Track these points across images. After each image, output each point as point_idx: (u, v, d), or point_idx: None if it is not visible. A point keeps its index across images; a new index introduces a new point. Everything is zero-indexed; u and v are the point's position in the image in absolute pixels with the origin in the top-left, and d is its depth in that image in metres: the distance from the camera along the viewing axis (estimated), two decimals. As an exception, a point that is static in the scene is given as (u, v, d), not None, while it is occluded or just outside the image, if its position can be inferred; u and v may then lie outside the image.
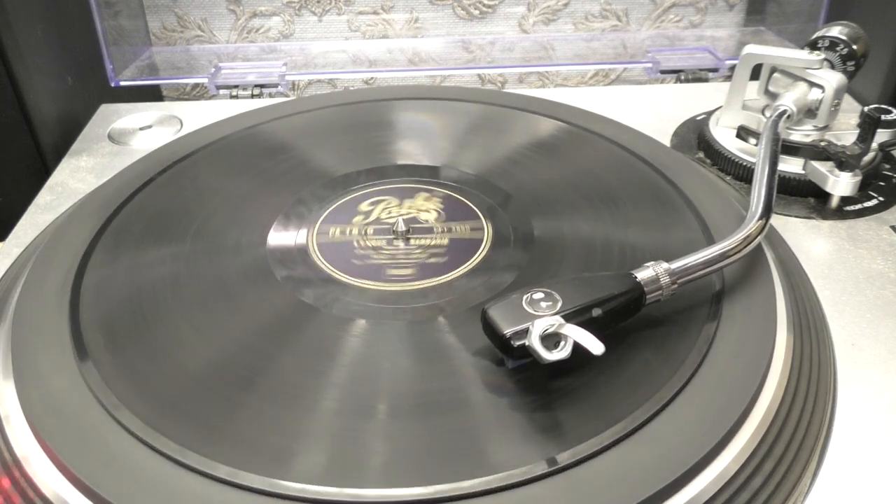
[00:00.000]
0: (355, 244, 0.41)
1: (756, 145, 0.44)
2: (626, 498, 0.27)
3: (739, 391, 0.31)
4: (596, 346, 0.29)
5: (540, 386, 0.31)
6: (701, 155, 0.53)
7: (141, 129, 0.59)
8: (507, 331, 0.30)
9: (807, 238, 0.45)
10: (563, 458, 0.28)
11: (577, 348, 0.29)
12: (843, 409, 0.34)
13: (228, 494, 0.27)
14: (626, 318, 0.33)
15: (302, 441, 0.29)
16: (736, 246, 0.35)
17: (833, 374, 0.35)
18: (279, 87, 0.67)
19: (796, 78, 0.49)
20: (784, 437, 0.31)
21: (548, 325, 0.29)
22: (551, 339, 0.30)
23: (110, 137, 0.58)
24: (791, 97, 0.48)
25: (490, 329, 0.31)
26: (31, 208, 0.49)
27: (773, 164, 0.42)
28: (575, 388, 0.31)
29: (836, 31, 0.49)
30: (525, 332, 0.30)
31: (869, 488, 0.31)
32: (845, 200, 0.47)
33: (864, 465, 0.31)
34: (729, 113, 0.53)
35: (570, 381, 0.31)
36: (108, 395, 0.31)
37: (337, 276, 0.38)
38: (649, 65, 0.70)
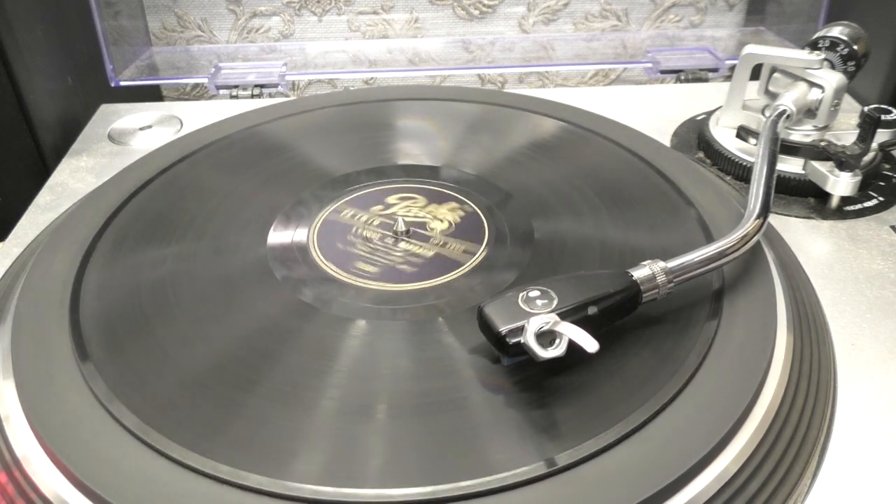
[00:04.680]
0: (353, 230, 0.42)
1: (756, 145, 0.44)
2: (626, 498, 0.27)
3: (739, 391, 0.31)
4: (590, 344, 0.29)
5: (540, 386, 0.31)
6: (701, 155, 0.53)
7: (141, 129, 0.59)
8: (503, 328, 0.30)
9: (807, 238, 0.45)
10: (563, 458, 0.28)
11: (573, 346, 0.29)
12: (843, 409, 0.34)
13: (228, 494, 0.27)
14: (622, 316, 0.33)
15: (301, 441, 0.29)
16: (733, 245, 0.35)
17: (833, 374, 0.35)
18: (279, 87, 0.67)
19: (796, 78, 0.49)
20: (784, 437, 0.31)
21: (543, 323, 0.29)
22: (546, 337, 0.30)
23: (110, 137, 0.58)
24: (791, 97, 0.48)
25: (486, 326, 0.31)
26: (31, 208, 0.49)
27: (772, 163, 0.42)
28: (575, 389, 0.31)
29: (837, 31, 0.49)
30: (521, 330, 0.30)
31: (869, 488, 0.31)
32: (845, 200, 0.47)
33: (864, 465, 0.31)
34: (729, 113, 0.53)
35: (570, 381, 0.31)
36: (107, 394, 0.31)
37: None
38: (649, 65, 0.70)
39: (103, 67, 0.66)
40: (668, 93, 0.63)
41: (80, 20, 0.65)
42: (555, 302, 0.31)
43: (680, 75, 0.68)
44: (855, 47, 0.49)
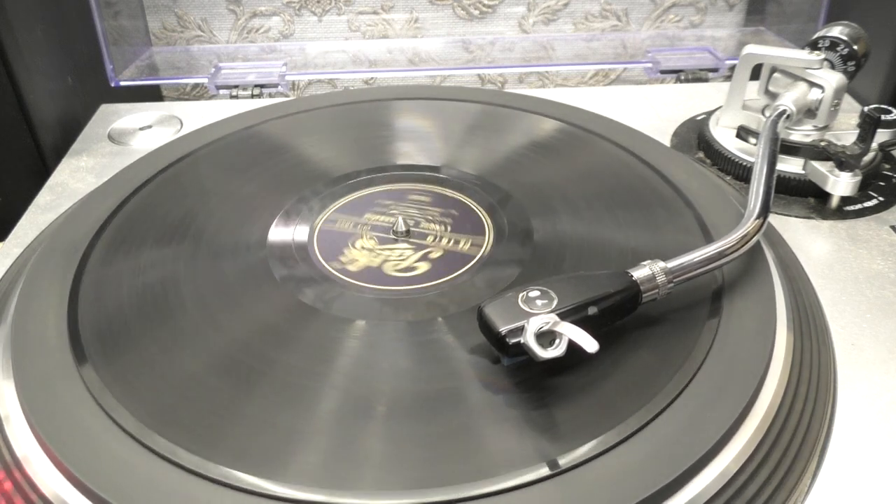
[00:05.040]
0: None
1: (756, 145, 0.44)
2: (626, 498, 0.27)
3: (739, 391, 0.31)
4: (590, 344, 0.29)
5: (540, 387, 0.31)
6: (701, 155, 0.53)
7: (141, 129, 0.59)
8: (503, 328, 0.30)
9: (807, 238, 0.45)
10: (564, 459, 0.28)
11: (573, 346, 0.29)
12: (843, 409, 0.34)
13: (227, 495, 0.27)
14: (622, 316, 0.33)
15: (300, 443, 0.29)
16: (733, 245, 0.35)
17: (833, 374, 0.35)
18: (279, 87, 0.67)
19: (796, 78, 0.49)
20: (784, 437, 0.31)
21: (543, 323, 0.29)
22: (546, 337, 0.30)
23: (110, 137, 0.58)
24: (791, 97, 0.48)
25: (486, 327, 0.31)
26: (31, 208, 0.49)
27: (772, 163, 0.42)
28: (575, 389, 0.31)
29: (837, 31, 0.49)
30: (520, 330, 0.30)
31: (869, 488, 0.31)
32: (845, 200, 0.47)
33: (864, 465, 0.31)
34: (729, 113, 0.53)
35: (570, 381, 0.31)
36: (106, 395, 0.31)
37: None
38: (649, 65, 0.70)
39: (103, 67, 0.66)
40: (668, 93, 0.62)
41: (80, 20, 0.65)
42: (555, 302, 0.31)
43: (680, 75, 0.68)
44: (855, 47, 0.49)
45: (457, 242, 0.41)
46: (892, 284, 0.41)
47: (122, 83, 0.68)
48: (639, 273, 0.33)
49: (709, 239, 0.39)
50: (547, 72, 0.83)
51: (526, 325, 0.30)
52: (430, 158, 0.49)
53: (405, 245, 0.41)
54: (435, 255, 0.40)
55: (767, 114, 0.47)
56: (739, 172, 0.50)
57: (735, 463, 0.29)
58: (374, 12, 0.77)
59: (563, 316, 0.30)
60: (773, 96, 0.50)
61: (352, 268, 0.39)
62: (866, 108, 0.46)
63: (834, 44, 0.49)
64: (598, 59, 0.75)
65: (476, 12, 0.78)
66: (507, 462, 0.28)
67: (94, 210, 0.43)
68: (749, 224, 0.36)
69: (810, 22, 0.70)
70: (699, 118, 0.58)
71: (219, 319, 0.36)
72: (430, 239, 0.41)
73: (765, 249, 0.39)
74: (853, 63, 0.49)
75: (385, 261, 0.40)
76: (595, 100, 0.60)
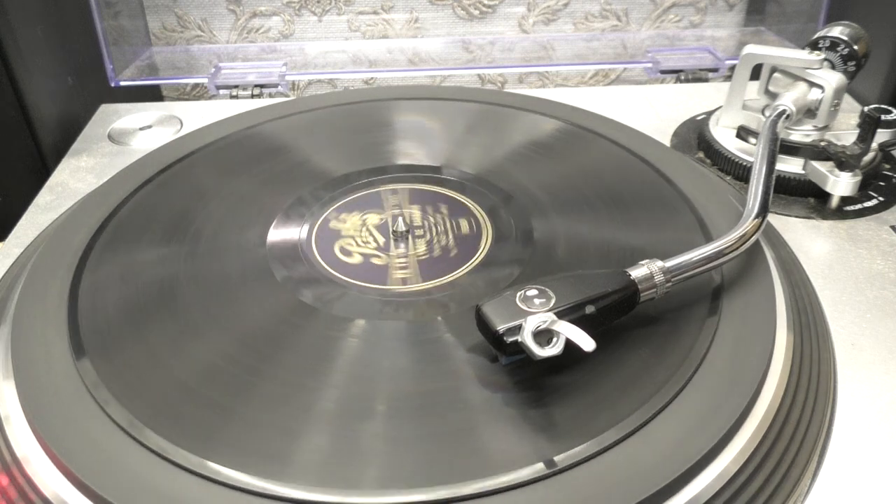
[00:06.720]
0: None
1: (756, 145, 0.44)
2: (626, 498, 0.27)
3: (739, 391, 0.31)
4: (587, 343, 0.29)
5: (538, 386, 0.31)
6: (701, 155, 0.53)
7: (141, 129, 0.59)
8: (500, 327, 0.30)
9: (807, 238, 0.45)
10: (563, 458, 0.28)
11: (570, 345, 0.29)
12: (843, 409, 0.34)
13: (227, 495, 0.27)
14: (620, 315, 0.33)
15: (299, 442, 0.29)
16: (732, 244, 0.35)
17: (833, 374, 0.35)
18: (279, 87, 0.67)
19: (796, 78, 0.49)
20: (784, 437, 0.31)
21: (540, 322, 0.29)
22: (544, 336, 0.30)
23: (110, 137, 0.58)
24: (791, 97, 0.48)
25: (483, 325, 0.31)
26: (31, 208, 0.49)
27: (771, 163, 0.42)
28: (574, 388, 0.31)
29: (838, 31, 0.49)
30: (518, 329, 0.30)
31: (869, 488, 0.31)
32: (845, 200, 0.47)
33: (864, 465, 0.31)
34: (729, 113, 0.53)
35: (569, 380, 0.31)
36: (107, 395, 0.31)
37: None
38: (649, 65, 0.70)
39: (103, 67, 0.67)
40: (668, 93, 0.62)
41: (80, 20, 0.65)
42: (552, 301, 0.31)
43: (680, 75, 0.68)
44: (855, 47, 0.49)
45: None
46: (892, 284, 0.41)
47: (122, 83, 0.68)
48: (636, 272, 0.33)
49: (708, 238, 0.39)
50: (547, 72, 0.83)
51: (523, 323, 0.30)
52: (430, 158, 0.49)
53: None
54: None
55: (767, 114, 0.47)
56: (739, 172, 0.50)
57: (735, 463, 0.29)
58: (374, 12, 0.77)
59: (561, 315, 0.30)
60: (773, 96, 0.50)
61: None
62: (866, 108, 0.46)
63: (834, 44, 0.49)
64: (598, 59, 0.75)
65: (476, 12, 0.78)
66: (505, 461, 0.28)
67: (94, 210, 0.43)
68: (748, 224, 0.36)
69: (810, 22, 0.70)
70: (699, 118, 0.58)
71: (218, 319, 0.36)
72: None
73: (765, 249, 0.39)
74: (853, 63, 0.49)
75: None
76: (595, 100, 0.60)
